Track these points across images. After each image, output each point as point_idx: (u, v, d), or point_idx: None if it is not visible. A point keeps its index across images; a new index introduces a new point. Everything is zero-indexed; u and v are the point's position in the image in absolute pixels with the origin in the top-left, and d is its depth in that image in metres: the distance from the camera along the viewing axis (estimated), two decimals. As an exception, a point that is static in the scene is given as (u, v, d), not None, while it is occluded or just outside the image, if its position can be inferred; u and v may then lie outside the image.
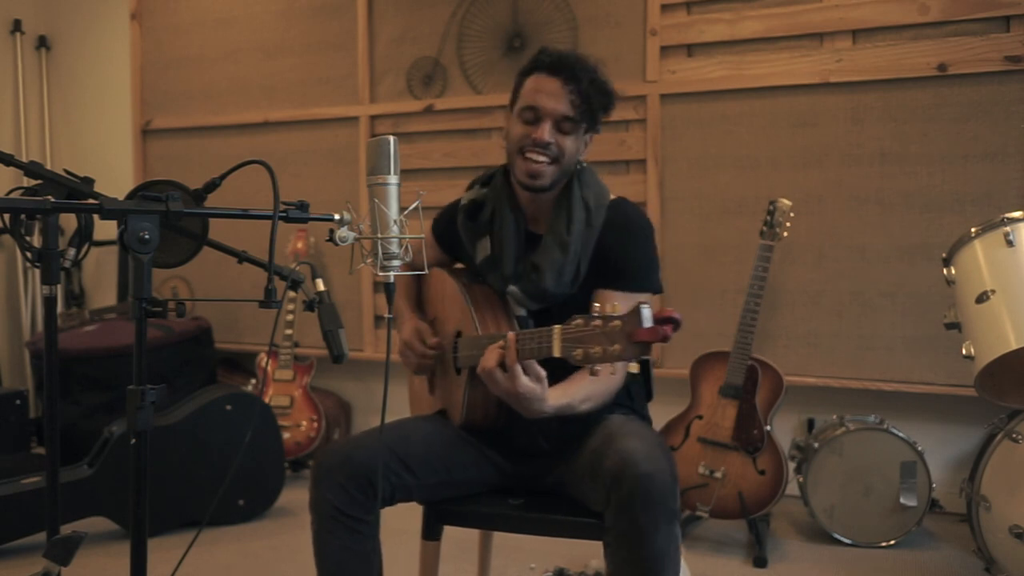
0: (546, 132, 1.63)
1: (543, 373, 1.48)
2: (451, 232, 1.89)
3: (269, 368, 3.62)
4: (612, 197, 1.75)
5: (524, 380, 1.46)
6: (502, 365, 1.47)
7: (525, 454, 1.74)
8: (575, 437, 1.69)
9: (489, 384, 1.50)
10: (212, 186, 1.43)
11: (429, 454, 1.67)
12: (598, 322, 1.28)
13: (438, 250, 1.97)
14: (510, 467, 1.75)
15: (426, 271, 1.57)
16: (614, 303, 1.30)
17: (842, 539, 2.67)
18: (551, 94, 1.63)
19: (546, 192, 1.71)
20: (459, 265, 1.95)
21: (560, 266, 1.66)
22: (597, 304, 1.32)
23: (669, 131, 3.18)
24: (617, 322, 1.26)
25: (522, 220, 1.76)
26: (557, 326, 1.37)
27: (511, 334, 1.48)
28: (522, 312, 1.74)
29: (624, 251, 1.69)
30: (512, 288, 1.70)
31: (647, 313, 1.24)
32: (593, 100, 1.65)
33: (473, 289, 1.76)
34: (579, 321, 1.32)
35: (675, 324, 1.24)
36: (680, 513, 1.47)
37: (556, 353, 1.36)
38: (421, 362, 1.83)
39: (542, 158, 1.65)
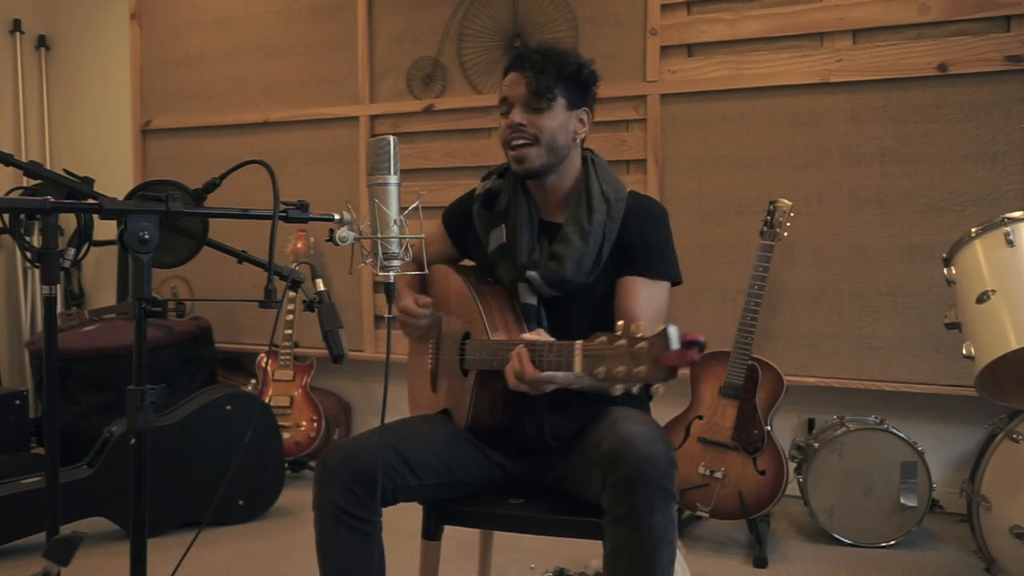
0: (516, 115, 1.70)
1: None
2: (463, 223, 1.88)
3: (269, 368, 3.62)
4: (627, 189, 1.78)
5: (559, 375, 1.44)
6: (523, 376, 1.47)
7: (529, 453, 1.74)
8: (578, 432, 1.69)
9: (536, 392, 1.49)
10: (212, 186, 1.43)
11: (431, 454, 1.67)
12: (623, 341, 1.25)
13: (447, 243, 1.95)
14: (513, 466, 1.75)
15: (426, 271, 1.56)
16: (638, 322, 1.27)
17: (842, 539, 2.67)
18: (511, 83, 1.72)
19: (543, 176, 1.73)
20: (466, 262, 1.95)
21: (581, 255, 1.68)
22: (621, 322, 1.29)
23: (669, 131, 3.18)
24: (644, 343, 1.23)
25: (535, 209, 1.78)
26: (579, 342, 1.33)
27: (520, 347, 1.46)
28: (532, 301, 1.72)
29: (645, 237, 1.72)
30: (531, 274, 1.71)
31: (675, 335, 1.19)
32: (549, 68, 1.68)
33: (481, 288, 1.76)
34: (603, 339, 1.29)
35: (700, 347, 1.20)
36: (677, 495, 1.46)
37: (577, 369, 1.34)
38: (419, 325, 1.82)
39: (521, 140, 1.69)
